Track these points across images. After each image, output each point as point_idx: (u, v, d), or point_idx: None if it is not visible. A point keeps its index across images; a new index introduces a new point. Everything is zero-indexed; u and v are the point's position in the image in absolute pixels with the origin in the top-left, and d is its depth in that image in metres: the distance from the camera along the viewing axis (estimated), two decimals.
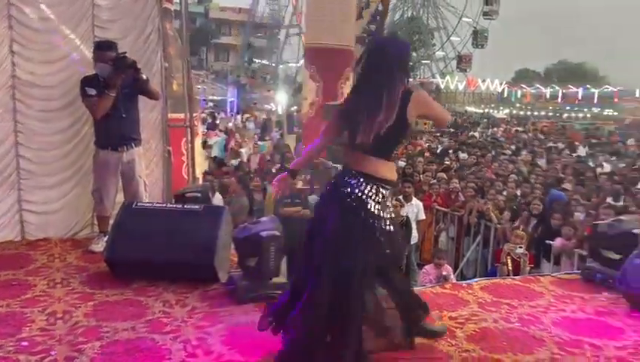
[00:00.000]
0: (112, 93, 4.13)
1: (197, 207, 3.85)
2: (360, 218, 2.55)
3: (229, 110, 27.75)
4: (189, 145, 5.30)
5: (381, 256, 2.61)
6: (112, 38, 4.46)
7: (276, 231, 3.37)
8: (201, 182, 5.82)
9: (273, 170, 9.09)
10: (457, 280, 6.06)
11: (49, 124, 4.58)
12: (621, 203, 7.38)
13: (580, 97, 37.94)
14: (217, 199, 7.13)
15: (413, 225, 7.40)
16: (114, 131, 4.28)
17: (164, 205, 4.25)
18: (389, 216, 2.63)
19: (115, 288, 3.58)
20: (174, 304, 3.35)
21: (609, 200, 7.51)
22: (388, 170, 2.65)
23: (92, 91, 4.16)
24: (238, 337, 2.88)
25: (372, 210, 2.56)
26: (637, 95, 35.68)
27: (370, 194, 2.56)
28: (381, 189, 2.59)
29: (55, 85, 4.58)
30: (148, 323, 3.06)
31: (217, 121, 19.28)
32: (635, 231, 4.00)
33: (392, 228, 2.63)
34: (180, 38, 5.52)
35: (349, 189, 2.56)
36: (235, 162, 10.34)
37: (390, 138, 2.58)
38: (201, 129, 7.90)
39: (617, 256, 3.95)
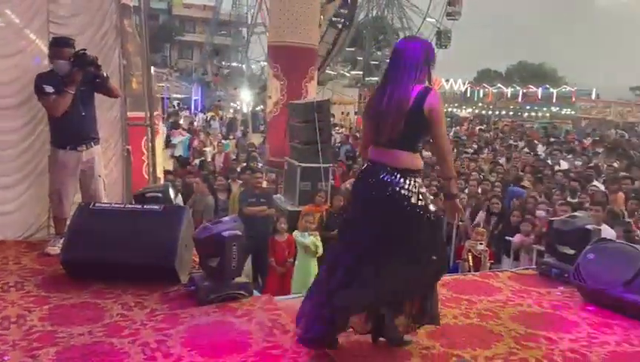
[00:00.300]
0: (72, 91, 4.02)
1: (157, 207, 3.79)
2: (406, 211, 2.66)
3: (193, 108, 27.39)
4: (150, 144, 5.20)
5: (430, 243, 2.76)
6: (69, 34, 4.34)
7: (238, 231, 3.33)
8: (162, 181, 5.74)
9: (238, 169, 9.03)
10: None
11: (2, 122, 4.43)
12: (577, 200, 7.61)
13: (539, 97, 38.90)
14: (179, 199, 7.04)
15: None
16: (73, 130, 4.16)
17: (123, 206, 4.16)
18: (431, 204, 2.74)
19: (72, 291, 3.48)
20: (133, 306, 3.28)
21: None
22: (416, 161, 2.74)
23: (50, 89, 4.04)
24: (198, 339, 2.85)
25: (414, 201, 2.66)
26: (593, 95, 36.85)
27: (408, 187, 2.66)
28: (416, 180, 2.70)
29: (8, 82, 4.43)
30: (105, 327, 2.99)
31: (181, 120, 19.01)
32: (589, 226, 4.14)
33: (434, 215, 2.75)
34: (139, 34, 5.41)
35: (388, 186, 2.66)
36: (197, 161, 10.21)
37: (412, 131, 2.67)
38: (162, 128, 7.75)
39: (572, 251, 4.07)
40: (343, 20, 28.65)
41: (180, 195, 7.14)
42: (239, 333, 2.94)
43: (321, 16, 26.97)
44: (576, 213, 4.51)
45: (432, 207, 2.73)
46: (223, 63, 45.72)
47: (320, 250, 6.30)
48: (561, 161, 12.15)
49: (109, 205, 4.01)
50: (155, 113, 5.45)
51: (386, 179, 2.68)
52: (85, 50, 4.07)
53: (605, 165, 11.33)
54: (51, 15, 4.56)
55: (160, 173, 5.72)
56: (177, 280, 3.57)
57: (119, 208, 3.93)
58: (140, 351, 2.73)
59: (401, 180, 2.66)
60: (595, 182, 8.94)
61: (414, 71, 2.67)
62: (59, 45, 4.14)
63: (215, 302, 3.28)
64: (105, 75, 4.20)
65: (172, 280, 3.57)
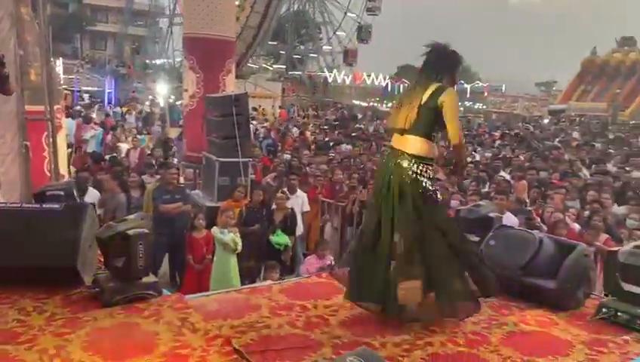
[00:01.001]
0: None
1: (56, 205, 3.58)
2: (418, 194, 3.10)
3: (106, 102, 26.16)
4: (51, 139, 4.90)
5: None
6: None
7: (145, 229, 3.22)
8: (67, 179, 5.43)
9: (155, 165, 8.73)
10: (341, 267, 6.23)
11: None
12: (486, 189, 8.02)
13: None
14: (93, 196, 6.71)
15: (299, 217, 7.50)
16: None
17: (19, 205, 3.90)
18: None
19: None
20: (31, 311, 3.08)
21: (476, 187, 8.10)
22: (430, 148, 3.18)
23: None
24: (101, 342, 2.72)
25: (426, 185, 3.12)
26: (503, 90, 39.03)
27: (421, 172, 3.11)
28: (429, 166, 3.17)
29: None
30: (0, 334, 2.79)
31: (94, 114, 18.12)
32: (491, 214, 4.37)
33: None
34: (38, 23, 5.07)
35: (408, 171, 3.10)
36: (107, 157, 9.77)
37: (427, 120, 3.12)
38: (71, 122, 7.26)
39: (477, 239, 4.28)
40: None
41: (94, 192, 6.81)
42: (145, 334, 2.85)
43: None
44: (480, 202, 4.74)
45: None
46: (140, 53, 44.04)
47: (239, 247, 6.24)
48: (474, 153, 12.77)
49: (3, 205, 3.74)
50: (56, 107, 5.14)
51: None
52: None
53: (512, 156, 12.04)
54: None
55: (64, 170, 5.40)
56: (81, 282, 3.39)
57: (14, 208, 3.66)
58: (38, 357, 2.58)
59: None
60: (502, 173, 9.47)
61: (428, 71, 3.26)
62: None
63: (121, 304, 3.15)
64: (7, 73, 3.88)
65: (75, 282, 3.38)
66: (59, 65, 18.83)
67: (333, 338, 2.95)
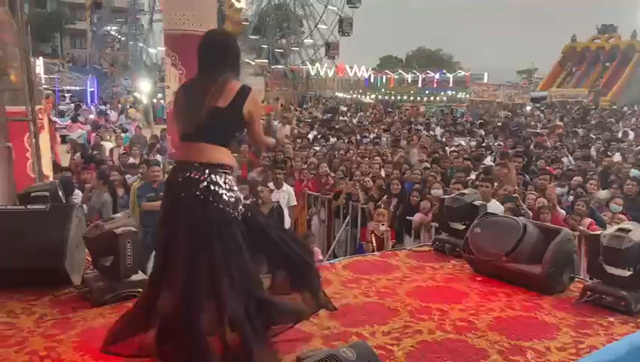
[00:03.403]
0: None
1: (42, 206, 3.55)
2: (215, 208, 2.55)
3: (89, 101, 25.84)
4: (34, 140, 4.85)
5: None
6: None
7: (132, 227, 3.22)
8: (51, 179, 5.37)
9: (136, 163, 8.65)
10: (329, 260, 6.26)
11: None
12: (471, 177, 8.08)
13: (437, 81, 40.78)
14: (80, 196, 6.65)
15: (285, 211, 7.50)
16: None
17: (4, 207, 3.87)
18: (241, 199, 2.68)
19: None
20: (20, 313, 3.08)
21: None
22: (226, 155, 2.67)
23: None
24: (92, 342, 2.72)
25: (225, 198, 2.57)
26: (485, 79, 39.26)
27: (218, 182, 2.57)
28: (227, 176, 2.62)
29: None
30: None
31: (78, 113, 17.91)
32: (476, 202, 4.42)
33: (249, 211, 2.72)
34: (16, 22, 5.00)
35: (196, 183, 2.54)
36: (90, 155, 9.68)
37: (223, 126, 2.65)
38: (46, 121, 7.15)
39: (462, 227, 4.35)
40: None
41: (79, 192, 6.75)
42: None
43: None
44: (465, 191, 4.79)
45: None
46: (118, 51, 43.50)
47: None
48: (461, 142, 12.82)
49: None
50: (38, 107, 5.08)
51: None
52: None
53: (495, 144, 12.14)
54: None
55: (47, 171, 5.34)
56: (69, 282, 3.39)
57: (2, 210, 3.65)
58: (28, 359, 2.58)
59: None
60: (486, 161, 9.55)
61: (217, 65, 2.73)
62: None
63: (110, 303, 3.15)
64: None
65: (63, 283, 3.38)
66: (39, 64, 18.54)
67: (323, 330, 2.98)
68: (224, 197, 2.56)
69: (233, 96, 2.62)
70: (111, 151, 10.69)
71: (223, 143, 2.66)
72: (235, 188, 2.64)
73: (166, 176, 2.97)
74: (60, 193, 4.15)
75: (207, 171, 2.55)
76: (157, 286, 2.65)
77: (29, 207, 3.59)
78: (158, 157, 9.45)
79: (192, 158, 2.58)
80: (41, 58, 22.24)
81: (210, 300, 2.49)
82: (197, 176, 2.53)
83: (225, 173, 2.61)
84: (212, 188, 2.54)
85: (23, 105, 4.83)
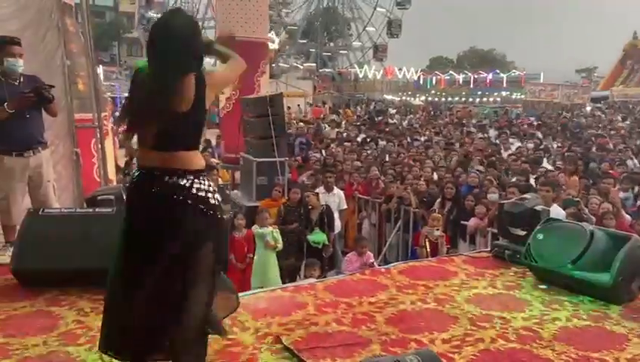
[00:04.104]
0: (10, 110, 3.86)
1: (109, 210, 3.70)
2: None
3: None
4: (99, 145, 5.06)
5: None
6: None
7: None
8: (115, 183, 5.60)
9: None
10: (380, 265, 6.23)
11: None
12: (530, 182, 7.84)
13: (490, 82, 39.91)
14: None
15: (336, 214, 7.52)
16: (18, 136, 4.00)
17: (73, 210, 4.05)
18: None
19: (24, 300, 3.36)
20: (89, 312, 3.20)
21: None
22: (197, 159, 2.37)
23: None
24: None
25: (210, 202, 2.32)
26: (541, 79, 38.05)
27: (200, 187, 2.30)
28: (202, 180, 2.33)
29: None
30: (61, 336, 2.91)
31: None
32: (537, 208, 4.29)
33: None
34: (82, 34, 5.25)
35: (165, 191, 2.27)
36: None
37: (189, 127, 2.32)
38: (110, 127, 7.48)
39: (523, 233, 4.22)
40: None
41: None
42: None
43: None
44: (525, 195, 4.65)
45: None
46: None
47: (280, 245, 6.31)
48: (513, 144, 12.49)
49: (58, 210, 3.89)
50: (103, 114, 5.31)
51: None
52: (53, 86, 3.95)
53: (555, 147, 11.75)
54: None
55: (112, 175, 5.57)
56: None
57: (69, 213, 3.82)
58: (98, 357, 2.67)
59: None
60: (545, 164, 9.25)
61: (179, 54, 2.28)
62: (7, 43, 3.97)
63: None
64: (52, 97, 4.06)
65: None
66: (99, 72, 19.34)
67: (381, 335, 2.96)
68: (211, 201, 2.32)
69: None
70: None
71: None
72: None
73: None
74: (125, 196, 4.30)
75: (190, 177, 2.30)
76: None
77: (96, 210, 3.74)
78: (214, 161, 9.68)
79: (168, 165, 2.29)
80: (100, 66, 23.21)
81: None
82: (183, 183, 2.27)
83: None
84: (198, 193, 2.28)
85: (89, 113, 5.06)
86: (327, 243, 6.94)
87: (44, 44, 4.56)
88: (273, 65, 29.06)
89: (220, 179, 8.06)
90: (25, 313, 3.21)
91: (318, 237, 6.90)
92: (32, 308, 3.27)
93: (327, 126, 18.27)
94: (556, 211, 5.52)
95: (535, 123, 17.92)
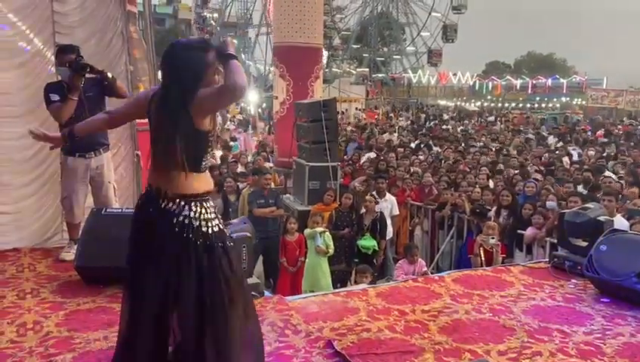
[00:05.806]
0: (74, 98, 4.03)
1: None
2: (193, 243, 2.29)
3: None
4: None
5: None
6: (74, 43, 4.37)
7: (247, 233, 3.35)
8: None
9: (245, 171, 9.05)
10: (433, 272, 6.13)
11: (12, 128, 4.48)
12: (588, 191, 7.53)
13: (549, 87, 38.60)
14: None
15: (388, 221, 7.46)
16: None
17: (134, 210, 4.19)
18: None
19: (87, 296, 3.52)
20: None
21: (579, 188, 7.65)
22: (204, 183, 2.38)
23: (55, 97, 4.07)
24: None
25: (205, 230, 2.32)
26: (604, 84, 36.43)
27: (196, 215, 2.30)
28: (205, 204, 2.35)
29: (17, 90, 4.49)
30: None
31: None
32: (601, 218, 4.11)
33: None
34: (145, 40, 5.45)
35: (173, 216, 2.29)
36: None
37: (190, 149, 2.29)
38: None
39: (585, 244, 4.06)
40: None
41: None
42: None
43: None
44: (588, 205, 4.47)
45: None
46: None
47: (331, 249, 6.31)
48: (573, 152, 12.04)
49: (119, 210, 4.04)
50: None
51: None
52: (82, 57, 4.07)
53: (619, 155, 11.22)
54: (57, 25, 4.62)
55: None
56: None
57: (130, 213, 3.94)
58: None
59: None
60: (607, 172, 8.85)
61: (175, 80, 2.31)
62: (62, 52, 4.17)
63: None
64: (111, 75, 4.18)
65: None
66: (159, 78, 20.03)
67: (434, 344, 2.91)
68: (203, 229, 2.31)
69: None
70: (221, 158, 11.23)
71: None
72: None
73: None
74: None
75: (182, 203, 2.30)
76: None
77: None
78: (268, 165, 9.81)
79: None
80: (159, 71, 23.98)
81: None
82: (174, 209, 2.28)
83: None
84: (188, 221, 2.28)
85: None
86: (377, 249, 6.89)
87: (109, 50, 4.77)
88: (326, 70, 29.22)
89: (272, 183, 8.13)
90: (87, 308, 3.35)
91: (367, 242, 6.85)
92: (95, 304, 3.41)
93: (380, 131, 18.20)
94: (620, 222, 5.27)
95: (598, 131, 17.18)
